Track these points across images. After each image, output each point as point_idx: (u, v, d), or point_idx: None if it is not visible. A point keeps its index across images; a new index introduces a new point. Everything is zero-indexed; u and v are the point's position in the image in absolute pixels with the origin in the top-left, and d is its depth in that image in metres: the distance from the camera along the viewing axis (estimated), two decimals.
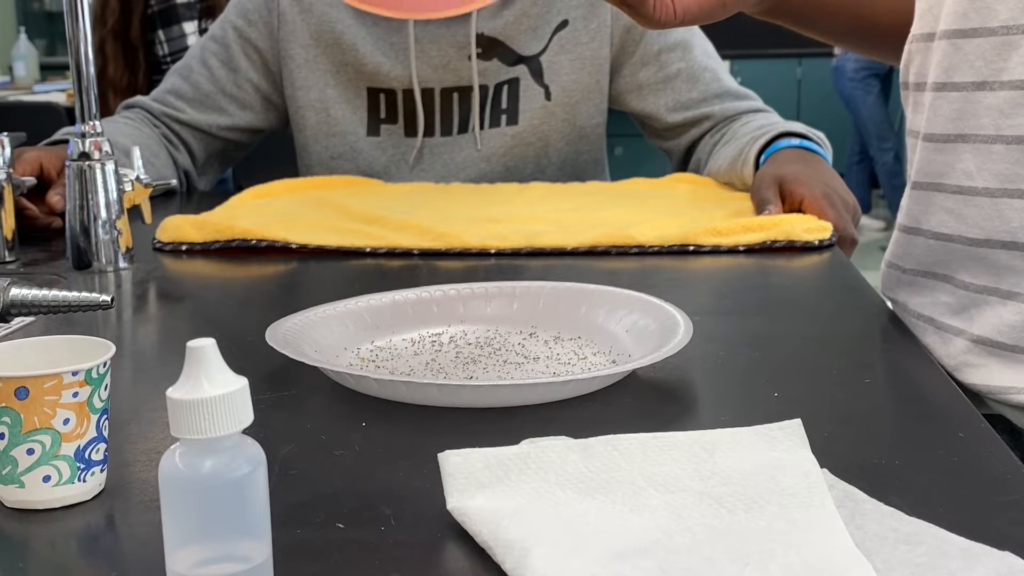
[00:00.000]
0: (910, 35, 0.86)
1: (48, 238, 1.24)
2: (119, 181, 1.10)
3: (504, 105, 1.53)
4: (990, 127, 0.77)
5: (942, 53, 0.80)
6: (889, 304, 0.93)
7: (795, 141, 1.32)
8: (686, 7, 0.87)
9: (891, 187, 5.80)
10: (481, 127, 1.53)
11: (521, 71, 1.52)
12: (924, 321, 0.86)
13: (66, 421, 0.54)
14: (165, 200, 1.48)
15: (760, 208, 1.19)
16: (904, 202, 0.88)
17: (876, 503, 0.51)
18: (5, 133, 1.16)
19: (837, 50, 5.47)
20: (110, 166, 1.09)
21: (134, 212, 1.15)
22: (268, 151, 1.77)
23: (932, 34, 0.82)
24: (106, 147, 1.09)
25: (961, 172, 0.80)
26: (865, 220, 5.54)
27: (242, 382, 0.43)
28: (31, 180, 1.22)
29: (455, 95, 1.53)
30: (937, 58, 0.81)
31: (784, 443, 0.54)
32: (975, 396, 0.82)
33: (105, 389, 0.56)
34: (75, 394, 0.54)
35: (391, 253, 1.12)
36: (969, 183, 0.79)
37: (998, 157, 0.77)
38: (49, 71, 5.51)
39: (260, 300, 1.02)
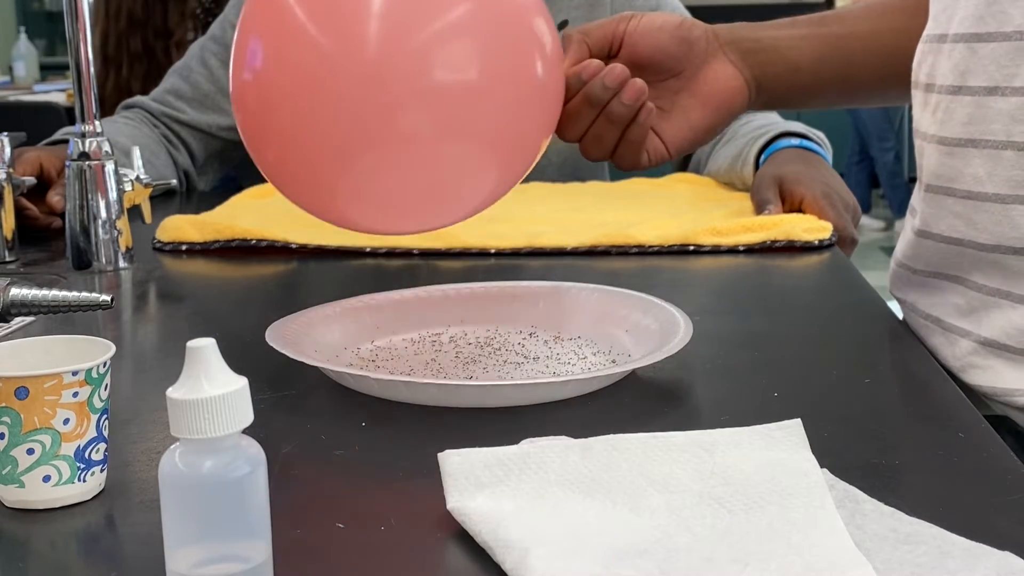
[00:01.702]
0: (923, 35, 0.85)
1: (48, 238, 1.24)
2: (119, 181, 1.10)
3: None
4: (1001, 133, 0.77)
5: (958, 56, 0.79)
6: (897, 304, 0.93)
7: (795, 141, 1.32)
8: (677, 143, 0.84)
9: (891, 187, 5.80)
10: None
11: None
12: (932, 322, 0.86)
13: (66, 421, 0.54)
14: (165, 200, 1.47)
15: (760, 208, 1.19)
16: (918, 204, 0.87)
17: (876, 503, 0.51)
18: (5, 133, 1.16)
19: None
20: (110, 166, 1.09)
21: (134, 212, 1.15)
22: None
23: (945, 35, 0.81)
24: (106, 147, 1.09)
25: (971, 177, 0.79)
26: (865, 220, 5.53)
27: (242, 382, 0.43)
28: (31, 180, 1.22)
29: None
30: (952, 61, 0.80)
31: (784, 443, 0.54)
32: (980, 397, 0.82)
33: (105, 389, 0.56)
34: (75, 394, 0.54)
35: (391, 253, 1.12)
36: (979, 188, 0.78)
37: (1009, 163, 0.76)
38: (49, 71, 5.51)
39: (260, 300, 1.02)
